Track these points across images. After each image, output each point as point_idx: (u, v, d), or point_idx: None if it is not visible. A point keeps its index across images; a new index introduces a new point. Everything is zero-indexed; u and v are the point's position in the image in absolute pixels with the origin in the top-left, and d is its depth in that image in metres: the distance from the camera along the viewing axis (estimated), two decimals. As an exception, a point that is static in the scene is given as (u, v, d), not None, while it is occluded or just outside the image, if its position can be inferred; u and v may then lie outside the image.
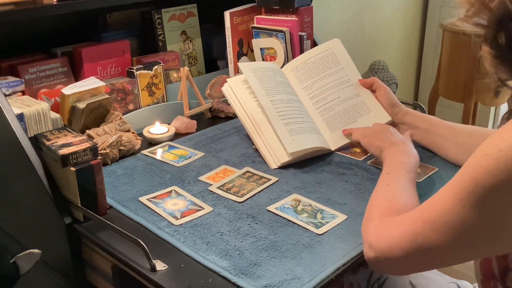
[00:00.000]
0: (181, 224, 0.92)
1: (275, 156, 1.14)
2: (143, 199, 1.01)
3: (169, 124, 1.35)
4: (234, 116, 1.43)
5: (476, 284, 1.08)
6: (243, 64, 1.25)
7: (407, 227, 0.72)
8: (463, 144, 1.07)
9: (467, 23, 0.71)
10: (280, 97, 1.21)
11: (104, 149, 1.14)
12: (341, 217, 0.94)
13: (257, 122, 1.17)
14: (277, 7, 1.52)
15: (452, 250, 0.69)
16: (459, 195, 0.66)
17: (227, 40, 1.56)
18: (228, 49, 1.57)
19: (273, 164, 1.13)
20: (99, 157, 0.95)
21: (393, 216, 0.80)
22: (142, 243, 0.81)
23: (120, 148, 1.17)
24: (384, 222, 0.79)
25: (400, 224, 0.74)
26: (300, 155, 1.13)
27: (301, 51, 1.48)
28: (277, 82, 1.24)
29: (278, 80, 1.25)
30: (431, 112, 2.57)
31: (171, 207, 0.98)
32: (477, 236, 0.66)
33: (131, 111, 1.36)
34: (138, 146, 1.22)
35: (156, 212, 0.97)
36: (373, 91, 1.25)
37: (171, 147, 1.25)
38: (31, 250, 0.96)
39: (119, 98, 1.34)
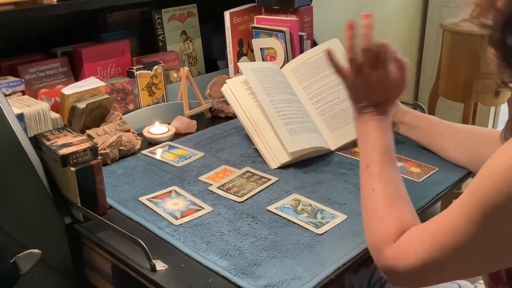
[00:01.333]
0: (181, 224, 0.92)
1: (275, 156, 1.14)
2: (143, 199, 1.01)
3: (169, 124, 1.35)
4: (234, 116, 1.43)
5: (477, 284, 1.09)
6: (243, 64, 1.25)
7: (426, 256, 0.72)
8: (463, 144, 1.07)
9: (473, 24, 0.70)
10: (280, 97, 1.21)
11: (104, 149, 1.14)
12: (341, 217, 0.94)
13: (256, 123, 1.18)
14: (277, 7, 1.52)
15: (466, 268, 0.71)
16: (472, 217, 0.66)
17: (227, 40, 1.56)
18: (228, 49, 1.57)
19: (273, 164, 1.13)
20: (99, 157, 0.95)
21: (402, 228, 0.79)
22: (142, 243, 0.81)
23: (120, 148, 1.17)
24: (397, 248, 0.78)
25: (417, 253, 0.73)
26: (300, 155, 1.13)
27: (301, 51, 1.48)
28: (276, 82, 1.24)
29: (278, 80, 1.25)
30: (431, 112, 2.57)
31: (171, 207, 0.98)
32: (493, 252, 0.67)
33: (131, 111, 1.36)
34: (138, 146, 1.22)
35: (156, 212, 0.97)
36: None
37: (171, 147, 1.25)
38: (31, 250, 0.96)
39: (119, 98, 1.34)
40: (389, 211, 0.80)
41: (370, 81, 0.88)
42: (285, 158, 1.13)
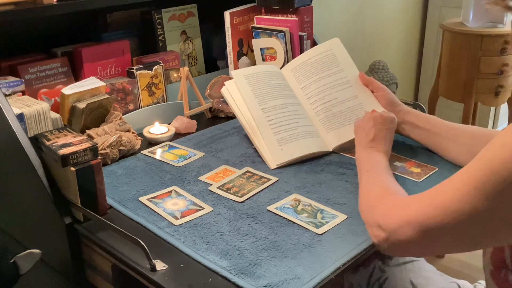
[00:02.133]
0: (181, 224, 0.93)
1: (273, 157, 1.14)
2: (143, 199, 1.01)
3: (169, 124, 1.35)
4: (234, 116, 1.43)
5: (476, 284, 1.09)
6: (236, 72, 1.25)
7: (417, 209, 0.73)
8: (464, 145, 1.07)
9: (498, 5, 0.71)
10: (273, 103, 1.21)
11: (104, 149, 1.14)
12: (341, 217, 0.94)
13: (253, 125, 1.18)
14: (277, 7, 1.52)
15: (463, 237, 0.70)
16: (474, 183, 0.66)
17: (227, 40, 1.56)
18: (228, 49, 1.57)
19: (273, 164, 1.13)
20: (99, 157, 0.95)
21: (396, 196, 0.81)
22: (142, 243, 0.81)
23: (120, 148, 1.17)
24: (391, 202, 0.80)
25: (410, 206, 0.75)
26: (297, 158, 1.14)
27: (301, 51, 1.48)
28: (272, 87, 1.24)
29: (273, 83, 1.25)
30: (431, 112, 2.57)
31: (171, 207, 0.98)
32: (489, 224, 0.67)
33: (131, 111, 1.36)
34: (138, 146, 1.22)
35: (156, 212, 0.97)
36: (372, 92, 1.25)
37: (171, 147, 1.25)
38: (31, 250, 0.96)
39: (119, 98, 1.34)
40: (383, 186, 0.90)
41: None
42: (280, 160, 1.13)
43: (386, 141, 1.07)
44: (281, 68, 1.33)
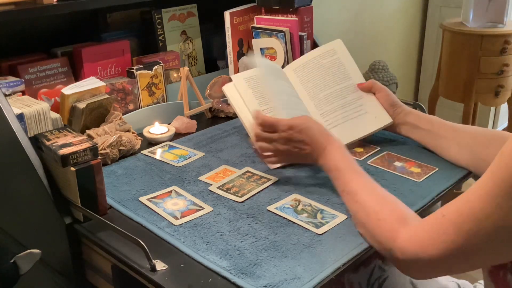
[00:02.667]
0: (181, 224, 0.93)
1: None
2: (143, 199, 1.01)
3: (169, 124, 1.35)
4: (234, 116, 1.43)
5: (476, 284, 1.09)
6: (236, 76, 1.23)
7: (450, 245, 0.71)
8: (465, 145, 1.07)
9: None
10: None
11: (104, 149, 1.14)
12: (341, 217, 0.94)
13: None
14: (277, 7, 1.52)
15: (491, 253, 0.70)
16: (496, 200, 0.65)
17: (227, 40, 1.56)
18: (228, 49, 1.57)
19: (272, 165, 1.13)
20: (99, 157, 0.95)
21: (406, 224, 0.80)
22: (142, 243, 0.81)
23: (120, 148, 1.17)
24: (410, 229, 0.78)
25: (442, 242, 0.73)
26: None
27: (301, 51, 1.48)
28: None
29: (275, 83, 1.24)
30: (431, 112, 2.57)
31: (171, 207, 0.98)
32: None
33: (131, 111, 1.36)
34: (138, 146, 1.22)
35: (156, 212, 0.97)
36: (373, 93, 1.25)
37: (171, 147, 1.25)
38: (31, 250, 0.96)
39: (119, 98, 1.34)
40: (380, 209, 0.84)
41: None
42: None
43: (318, 138, 1.00)
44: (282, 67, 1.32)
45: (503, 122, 3.06)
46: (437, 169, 1.10)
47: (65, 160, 0.91)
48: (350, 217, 0.93)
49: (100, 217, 0.91)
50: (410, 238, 0.77)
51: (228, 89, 1.24)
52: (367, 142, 1.23)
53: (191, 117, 1.39)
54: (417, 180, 1.06)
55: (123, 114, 1.30)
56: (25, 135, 1.01)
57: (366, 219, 0.86)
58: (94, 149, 0.94)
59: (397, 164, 1.13)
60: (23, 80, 1.21)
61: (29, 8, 1.18)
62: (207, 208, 0.97)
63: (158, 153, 1.22)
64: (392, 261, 0.81)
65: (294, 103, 1.18)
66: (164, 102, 1.44)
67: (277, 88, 1.17)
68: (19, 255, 0.94)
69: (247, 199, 1.01)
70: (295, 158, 1.06)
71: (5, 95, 1.12)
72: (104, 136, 1.16)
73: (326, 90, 1.24)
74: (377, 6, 2.62)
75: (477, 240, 0.68)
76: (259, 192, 1.03)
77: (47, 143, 0.95)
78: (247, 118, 1.20)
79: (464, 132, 1.09)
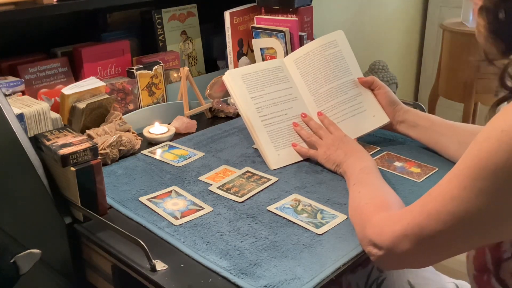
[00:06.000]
0: (181, 224, 0.93)
1: (270, 161, 1.14)
2: (143, 199, 1.01)
3: (169, 124, 1.35)
4: (234, 116, 1.43)
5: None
6: (231, 72, 1.21)
7: (410, 221, 0.72)
8: (464, 143, 1.06)
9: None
10: (272, 110, 1.19)
11: (104, 149, 1.14)
12: (341, 217, 0.94)
13: (251, 126, 1.17)
14: (277, 7, 1.52)
15: (460, 239, 0.69)
16: (463, 183, 0.65)
17: (227, 40, 1.56)
18: (228, 49, 1.57)
19: (271, 166, 1.13)
20: (99, 157, 0.95)
21: (386, 211, 0.80)
22: (142, 243, 0.81)
23: (120, 148, 1.17)
24: (383, 218, 0.79)
25: (402, 219, 0.74)
26: (294, 162, 1.15)
27: (301, 51, 1.48)
28: (271, 91, 1.22)
29: (273, 79, 1.23)
30: (431, 112, 2.57)
31: (171, 207, 0.98)
32: (484, 221, 0.66)
33: (131, 111, 1.36)
34: (138, 146, 1.22)
35: (156, 212, 0.97)
36: (372, 91, 1.25)
37: (171, 147, 1.25)
38: (31, 250, 0.95)
39: (119, 98, 1.34)
40: (371, 198, 0.87)
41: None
42: (278, 165, 1.13)
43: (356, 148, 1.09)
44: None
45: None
46: (437, 169, 1.10)
47: (65, 160, 0.91)
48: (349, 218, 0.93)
49: (100, 217, 0.91)
50: (375, 222, 0.79)
51: (226, 80, 1.22)
52: (367, 142, 1.23)
53: (191, 117, 1.39)
54: (417, 180, 1.06)
55: (123, 114, 1.30)
56: (25, 135, 1.01)
57: (357, 207, 0.89)
58: (94, 149, 0.94)
59: (397, 164, 1.13)
60: (23, 80, 1.21)
61: (29, 8, 1.18)
62: (207, 208, 0.97)
63: (158, 153, 1.22)
64: (362, 246, 0.83)
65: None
66: (164, 102, 1.44)
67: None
68: (19, 255, 0.94)
69: (247, 199, 1.01)
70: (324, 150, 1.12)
71: (5, 95, 1.12)
72: (104, 136, 1.16)
73: (326, 85, 1.23)
74: (377, 6, 2.62)
75: (438, 221, 0.68)
76: (259, 192, 1.03)
77: (47, 143, 0.95)
78: (242, 106, 1.18)
79: (463, 130, 1.09)
